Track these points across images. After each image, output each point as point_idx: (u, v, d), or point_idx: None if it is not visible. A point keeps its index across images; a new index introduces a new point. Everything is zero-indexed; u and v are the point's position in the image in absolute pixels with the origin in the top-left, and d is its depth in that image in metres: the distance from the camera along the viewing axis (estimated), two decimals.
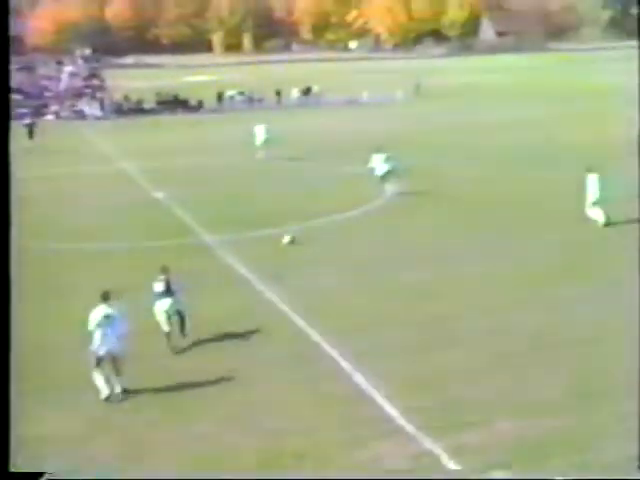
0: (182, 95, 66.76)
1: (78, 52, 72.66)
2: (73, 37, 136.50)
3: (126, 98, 66.11)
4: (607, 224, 22.52)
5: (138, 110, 64.46)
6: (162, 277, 15.38)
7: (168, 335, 15.28)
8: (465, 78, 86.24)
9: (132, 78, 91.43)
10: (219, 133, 48.75)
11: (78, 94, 65.70)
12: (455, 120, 50.82)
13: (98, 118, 62.08)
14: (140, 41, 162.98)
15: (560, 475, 10.12)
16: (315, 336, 15.33)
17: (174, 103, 65.90)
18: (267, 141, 37.30)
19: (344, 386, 13.18)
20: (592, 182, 22.98)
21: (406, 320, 16.12)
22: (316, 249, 21.85)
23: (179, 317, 15.44)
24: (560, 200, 26.08)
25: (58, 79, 67.32)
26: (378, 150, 28.47)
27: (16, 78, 65.77)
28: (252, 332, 15.77)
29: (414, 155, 37.17)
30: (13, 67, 66.44)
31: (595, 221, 22.77)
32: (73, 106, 63.90)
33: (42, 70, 68.49)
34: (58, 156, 40.80)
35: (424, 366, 13.84)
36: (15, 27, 77.21)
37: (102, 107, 64.47)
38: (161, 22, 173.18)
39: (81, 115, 62.63)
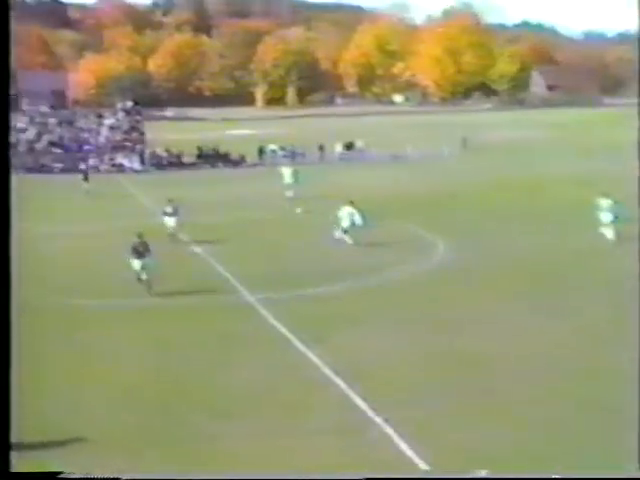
0: (223, 149, 67.79)
1: (119, 105, 74.22)
2: (114, 90, 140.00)
3: (167, 151, 67.32)
4: (614, 241, 28.30)
5: (178, 164, 65.56)
6: (139, 241, 23.32)
7: (141, 280, 23.32)
8: (514, 133, 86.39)
9: (173, 131, 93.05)
10: (260, 188, 49.28)
11: (118, 147, 67.06)
12: (503, 177, 50.79)
13: (137, 172, 63.25)
14: (182, 93, 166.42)
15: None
16: (359, 401, 15.25)
17: (215, 157, 66.93)
18: (295, 181, 44.16)
19: (390, 454, 13.03)
20: (605, 206, 29.10)
21: (455, 388, 15.99)
22: (360, 309, 21.86)
23: (148, 272, 23.15)
24: (612, 259, 25.87)
25: (98, 132, 68.82)
26: (348, 203, 30.01)
27: (56, 132, 67.62)
28: (293, 396, 15.75)
29: (460, 213, 37.30)
30: (53, 121, 68.36)
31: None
32: (112, 159, 65.26)
33: (82, 123, 70.05)
34: (100, 209, 41.63)
35: (473, 436, 13.66)
36: (57, 81, 79.90)
37: (142, 160, 65.74)
38: (204, 74, 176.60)
39: (120, 169, 63.86)
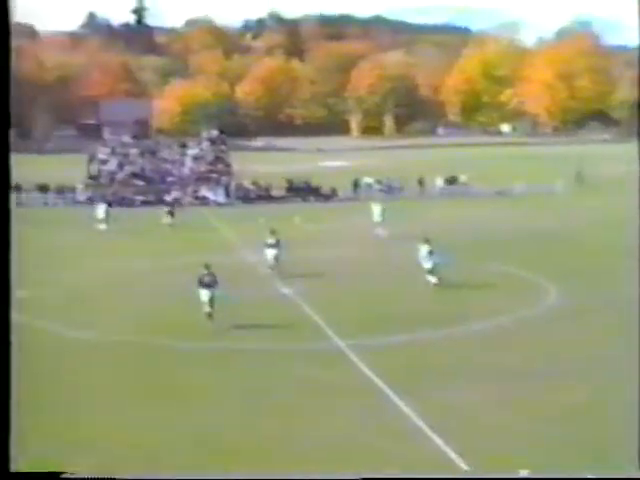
0: (315, 182, 68.62)
1: (204, 134, 75.93)
2: (200, 117, 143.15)
3: (254, 184, 68.49)
4: None
5: (267, 197, 66.67)
6: (206, 272, 25.11)
7: (209, 315, 24.83)
8: (635, 167, 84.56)
9: (261, 162, 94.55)
10: (352, 224, 49.61)
11: (202, 179, 68.64)
12: (624, 217, 49.80)
13: (222, 205, 64.49)
14: (271, 122, 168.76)
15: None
16: (457, 460, 15.19)
17: (306, 190, 67.82)
18: (384, 220, 45.72)
19: None
20: None
21: (558, 444, 15.72)
22: (459, 359, 21.84)
23: (214, 303, 24.81)
24: None
25: (181, 163, 70.54)
26: (425, 241, 30.94)
27: (138, 163, 69.62)
28: (387, 452, 15.78)
29: (576, 255, 36.81)
30: (135, 151, 70.38)
31: None
32: (196, 192, 66.82)
33: (165, 153, 71.98)
34: (183, 243, 42.58)
35: None
36: (140, 110, 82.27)
37: (227, 193, 67.13)
38: (295, 101, 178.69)
39: (204, 201, 65.28)
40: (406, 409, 17.86)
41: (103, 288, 32.01)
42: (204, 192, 67.09)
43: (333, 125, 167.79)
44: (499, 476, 13.22)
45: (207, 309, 25.08)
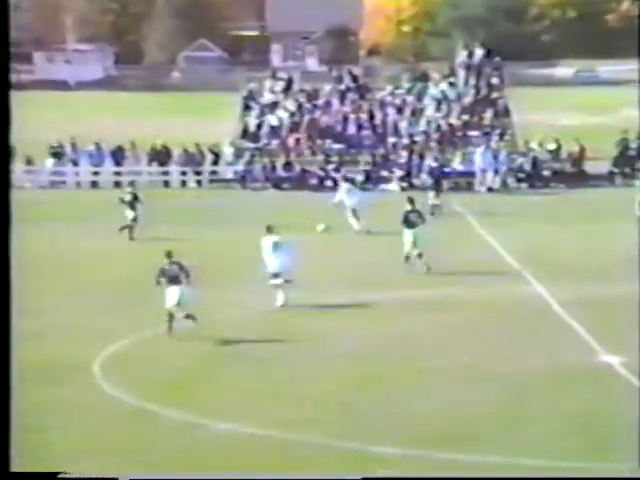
0: None
1: (460, 55, 76.18)
2: (450, 25, 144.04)
3: (552, 149, 67.79)
4: None
5: (574, 176, 66.06)
6: (167, 261, 32.69)
7: (171, 317, 32.35)
8: None
9: (568, 107, 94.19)
10: None
11: (452, 139, 68.47)
12: None
13: (492, 191, 64.21)
14: (590, 31, 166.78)
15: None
16: None
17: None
18: None
19: None
20: None
21: None
22: None
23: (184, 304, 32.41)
24: None
25: (414, 110, 70.50)
26: None
27: (333, 109, 69.81)
28: None
29: None
30: (328, 88, 70.50)
31: None
32: (441, 164, 65.45)
33: (384, 93, 72.14)
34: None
35: None
36: (338, 11, 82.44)
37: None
38: None
39: (457, 181, 65.13)
40: None
41: None
42: (457, 164, 66.81)
43: None
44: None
45: (177, 313, 32.51)
